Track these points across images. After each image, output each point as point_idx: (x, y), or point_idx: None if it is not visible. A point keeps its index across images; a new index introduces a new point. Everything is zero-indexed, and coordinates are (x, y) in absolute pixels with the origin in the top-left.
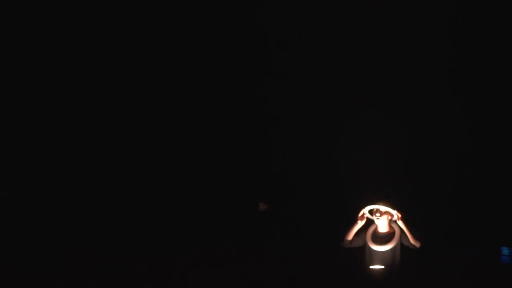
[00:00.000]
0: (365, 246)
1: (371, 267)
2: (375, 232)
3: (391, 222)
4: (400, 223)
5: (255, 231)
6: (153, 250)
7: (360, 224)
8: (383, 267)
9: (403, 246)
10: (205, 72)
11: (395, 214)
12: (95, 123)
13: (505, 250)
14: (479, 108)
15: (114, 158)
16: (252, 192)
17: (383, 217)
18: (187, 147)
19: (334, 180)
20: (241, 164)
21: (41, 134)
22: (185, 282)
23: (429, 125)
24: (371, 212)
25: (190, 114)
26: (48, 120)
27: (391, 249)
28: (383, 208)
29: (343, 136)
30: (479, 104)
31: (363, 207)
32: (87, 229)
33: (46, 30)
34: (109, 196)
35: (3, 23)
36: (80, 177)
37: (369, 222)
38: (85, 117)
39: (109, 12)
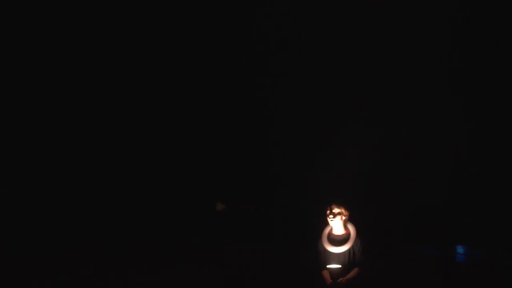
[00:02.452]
0: (319, 247)
1: (328, 266)
2: (330, 234)
3: (346, 223)
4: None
5: (254, 231)
6: (153, 250)
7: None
8: (340, 266)
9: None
10: (205, 72)
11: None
12: (95, 123)
13: (460, 249)
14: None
15: (114, 158)
16: (251, 192)
17: (336, 219)
18: (187, 148)
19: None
20: (241, 164)
21: (40, 134)
22: (185, 282)
23: (428, 124)
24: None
25: (190, 115)
26: (47, 120)
27: (347, 251)
28: (335, 209)
29: (342, 136)
30: (479, 104)
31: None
32: (87, 229)
33: (46, 30)
34: (108, 196)
35: (3, 23)
36: (80, 177)
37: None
38: (85, 117)
39: (108, 12)
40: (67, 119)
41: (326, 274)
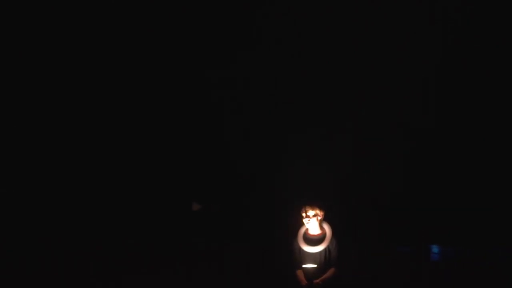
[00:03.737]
0: (294, 246)
1: (303, 266)
2: (306, 234)
3: (322, 223)
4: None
5: (253, 232)
6: (153, 250)
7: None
8: (315, 266)
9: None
10: (204, 72)
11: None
12: (95, 123)
13: (435, 248)
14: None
15: (113, 159)
16: (251, 191)
17: (312, 220)
18: (186, 148)
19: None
20: (239, 163)
21: (40, 134)
22: (185, 282)
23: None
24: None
25: (189, 115)
26: (47, 119)
27: (323, 250)
28: (310, 211)
29: (342, 136)
30: (478, 102)
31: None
32: (87, 229)
33: (46, 30)
34: (109, 197)
35: (3, 23)
36: (79, 177)
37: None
38: (85, 117)
39: (108, 11)
40: (67, 119)
41: (300, 274)
